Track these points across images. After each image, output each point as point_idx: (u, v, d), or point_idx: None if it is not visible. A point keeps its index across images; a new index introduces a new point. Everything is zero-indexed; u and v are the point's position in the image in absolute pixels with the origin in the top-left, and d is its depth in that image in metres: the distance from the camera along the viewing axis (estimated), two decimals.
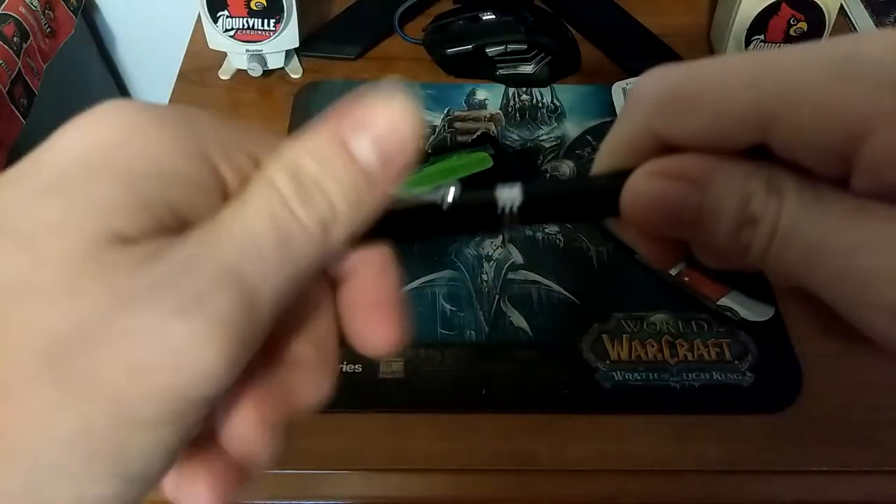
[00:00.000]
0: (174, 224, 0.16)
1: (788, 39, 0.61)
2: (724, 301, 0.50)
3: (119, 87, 1.03)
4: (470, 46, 0.66)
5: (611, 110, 0.63)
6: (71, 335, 0.14)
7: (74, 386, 0.14)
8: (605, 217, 0.19)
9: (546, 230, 0.55)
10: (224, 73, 0.66)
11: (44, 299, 0.14)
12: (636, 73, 0.63)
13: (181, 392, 0.15)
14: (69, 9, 0.86)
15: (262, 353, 0.17)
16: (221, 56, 0.65)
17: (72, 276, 0.14)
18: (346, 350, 0.53)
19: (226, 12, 0.61)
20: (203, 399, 0.15)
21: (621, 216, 0.18)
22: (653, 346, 0.49)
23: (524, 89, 0.65)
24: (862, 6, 0.73)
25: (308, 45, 0.66)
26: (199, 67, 0.67)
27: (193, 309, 0.14)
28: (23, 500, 0.14)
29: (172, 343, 0.14)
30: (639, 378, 0.47)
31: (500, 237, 0.54)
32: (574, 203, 0.20)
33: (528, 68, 0.66)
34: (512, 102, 0.64)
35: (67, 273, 0.14)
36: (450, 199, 0.19)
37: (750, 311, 0.50)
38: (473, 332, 0.49)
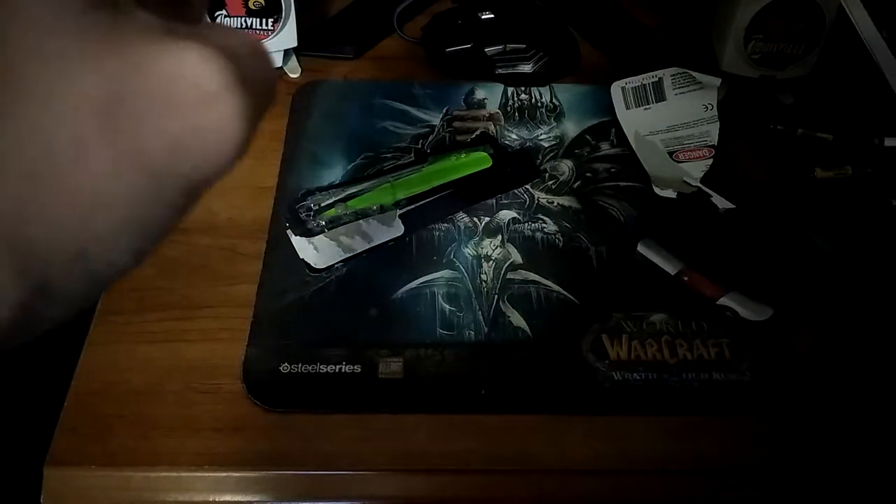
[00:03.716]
0: None
1: (788, 39, 0.61)
2: (724, 301, 0.50)
3: None
4: (469, 46, 0.66)
5: (610, 110, 0.63)
6: (113, 102, 0.14)
7: (125, 155, 0.14)
8: None
9: (546, 230, 0.55)
10: None
11: (65, 63, 0.14)
12: (635, 73, 0.63)
13: (200, 182, 0.15)
14: None
15: None
16: None
17: (82, 44, 0.14)
18: (344, 351, 0.53)
19: (224, 11, 0.61)
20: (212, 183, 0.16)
21: None
22: (652, 346, 0.49)
23: (523, 89, 0.65)
24: (862, 6, 0.73)
25: (306, 45, 0.66)
26: None
27: (232, 89, 0.15)
28: (73, 263, 0.14)
29: (208, 122, 0.15)
30: (638, 378, 0.47)
31: (500, 237, 0.54)
32: None
33: (526, 67, 0.66)
34: (511, 102, 0.64)
35: (75, 40, 0.14)
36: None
37: (749, 311, 0.50)
38: (473, 332, 0.49)
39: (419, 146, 0.60)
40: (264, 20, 0.62)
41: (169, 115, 0.14)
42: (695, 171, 0.59)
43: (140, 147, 0.14)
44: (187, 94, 0.15)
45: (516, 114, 0.63)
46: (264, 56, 0.17)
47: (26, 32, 0.13)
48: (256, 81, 0.16)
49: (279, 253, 0.53)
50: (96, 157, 0.14)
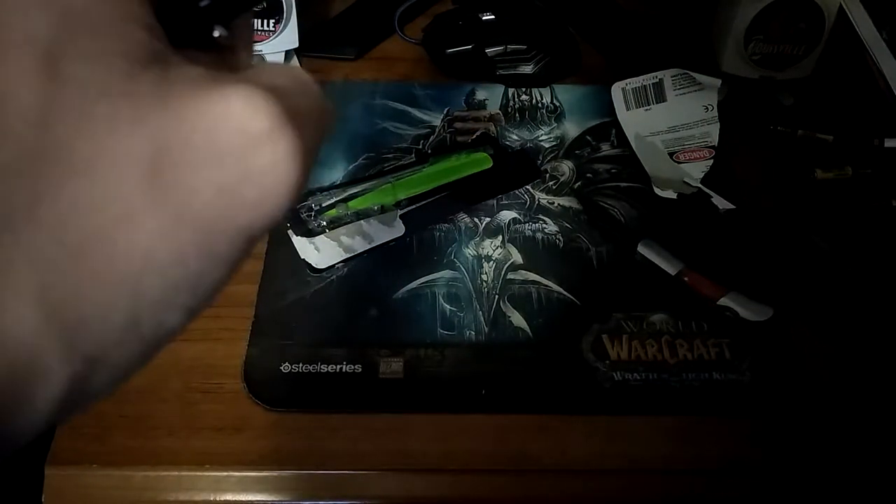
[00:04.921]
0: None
1: (788, 39, 0.61)
2: (724, 301, 0.50)
3: None
4: (469, 47, 0.66)
5: (610, 110, 0.63)
6: (158, 160, 0.13)
7: (174, 213, 0.14)
8: None
9: (546, 230, 0.55)
10: None
11: (114, 127, 0.13)
12: (636, 74, 0.63)
13: (256, 229, 0.15)
14: None
15: None
16: None
17: (129, 105, 0.14)
18: (345, 351, 0.53)
19: None
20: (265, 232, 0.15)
21: None
22: (652, 346, 0.49)
23: (524, 89, 0.65)
24: (862, 6, 0.73)
25: (308, 46, 0.66)
26: None
27: (280, 129, 0.14)
28: (124, 331, 0.14)
29: (258, 167, 0.14)
30: (638, 378, 0.47)
31: (500, 237, 0.54)
32: None
33: (527, 68, 0.66)
34: (511, 103, 0.64)
35: (122, 102, 0.14)
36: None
37: (749, 311, 0.50)
38: (473, 333, 0.49)
39: (420, 147, 0.61)
40: (266, 21, 0.62)
41: (216, 165, 0.14)
42: (695, 171, 0.59)
43: (189, 202, 0.14)
44: (233, 140, 0.14)
45: (517, 114, 0.64)
46: (313, 89, 0.17)
47: (75, 102, 0.13)
48: (307, 116, 0.15)
49: (280, 253, 0.53)
50: (144, 219, 0.13)
